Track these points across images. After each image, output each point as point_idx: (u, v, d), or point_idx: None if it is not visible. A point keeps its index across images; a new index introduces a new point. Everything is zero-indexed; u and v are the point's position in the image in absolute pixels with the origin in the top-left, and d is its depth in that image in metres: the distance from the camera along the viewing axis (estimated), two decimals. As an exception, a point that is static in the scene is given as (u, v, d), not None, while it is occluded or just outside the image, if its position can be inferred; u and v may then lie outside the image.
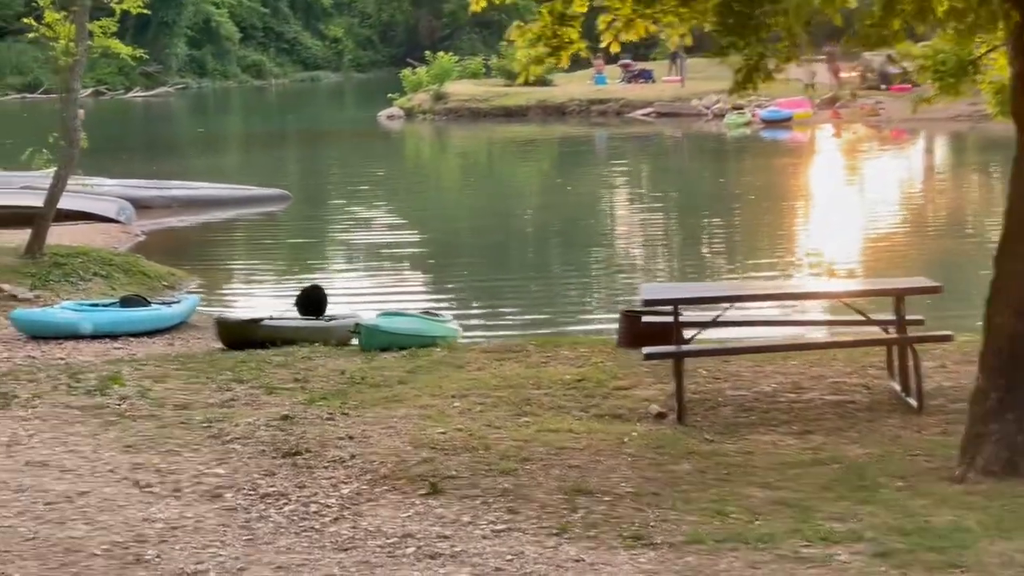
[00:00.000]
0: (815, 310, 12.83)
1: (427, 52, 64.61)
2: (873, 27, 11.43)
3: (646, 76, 62.21)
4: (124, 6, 19.41)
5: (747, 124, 50.02)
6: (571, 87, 60.02)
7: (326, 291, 15.77)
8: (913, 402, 9.93)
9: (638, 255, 24.32)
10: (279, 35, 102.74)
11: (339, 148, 48.05)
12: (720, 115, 52.58)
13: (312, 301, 15.34)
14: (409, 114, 57.36)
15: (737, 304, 11.18)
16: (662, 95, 56.54)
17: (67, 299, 17.01)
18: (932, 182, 36.04)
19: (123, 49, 19.92)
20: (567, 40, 10.96)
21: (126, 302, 16.09)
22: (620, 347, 12.82)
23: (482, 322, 17.33)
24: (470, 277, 22.03)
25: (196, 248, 25.01)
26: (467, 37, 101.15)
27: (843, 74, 55.89)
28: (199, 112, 73.84)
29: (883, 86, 54.16)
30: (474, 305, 19.24)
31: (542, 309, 18.85)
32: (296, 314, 15.28)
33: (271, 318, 14.68)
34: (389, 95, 60.29)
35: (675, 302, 10.06)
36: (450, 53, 63.69)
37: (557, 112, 56.17)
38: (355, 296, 19.19)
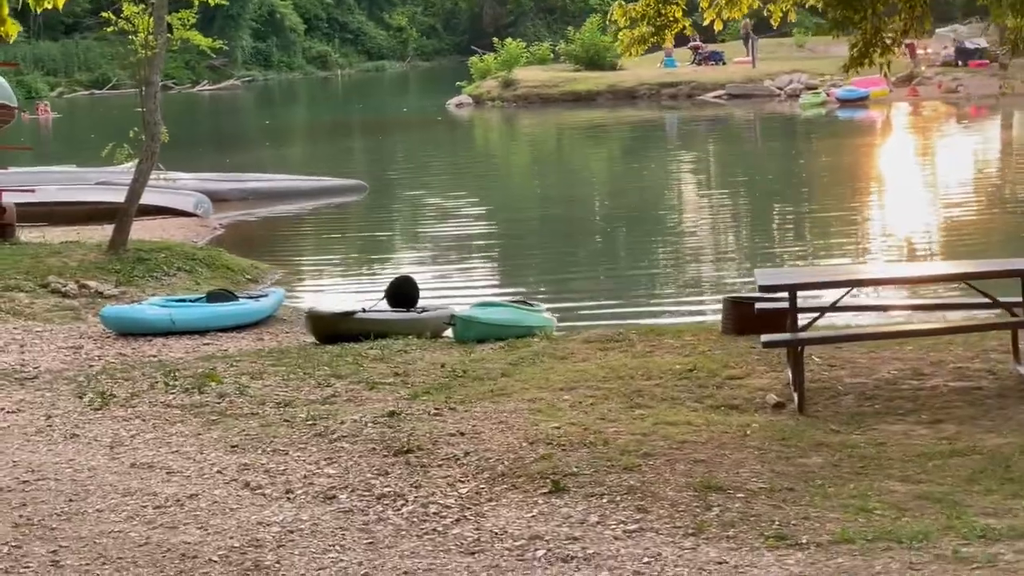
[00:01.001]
0: (930, 293, 12.45)
1: (494, 39, 64.30)
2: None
3: (716, 58, 61.65)
4: (209, -2, 19.25)
5: (822, 104, 49.46)
6: (640, 71, 59.61)
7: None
8: (1050, 390, 9.50)
9: (723, 241, 23.92)
10: (343, 25, 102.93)
11: (409, 137, 47.89)
12: (794, 95, 52.08)
13: (403, 293, 15.05)
14: (478, 101, 57.19)
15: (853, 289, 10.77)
16: (733, 77, 56.08)
17: (153, 295, 16.84)
18: (1012, 159, 35.20)
19: (203, 41, 19.77)
20: (671, 18, 10.62)
21: (213, 297, 15.90)
22: (726, 335, 12.46)
23: (573, 311, 16.93)
24: (553, 265, 21.73)
25: (274, 240, 24.85)
26: (531, 23, 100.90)
27: (920, 51, 55.09)
28: (266, 104, 74.00)
29: (960, 63, 53.37)
30: (563, 294, 18.86)
31: (633, 298, 18.52)
32: (386, 306, 14.99)
33: (363, 311, 14.40)
34: (458, 83, 60.15)
35: (792, 287, 9.66)
36: (517, 40, 63.30)
37: (627, 96, 55.86)
38: (437, 287, 18.91)
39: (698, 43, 64.11)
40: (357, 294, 18.92)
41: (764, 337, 9.78)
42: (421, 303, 15.23)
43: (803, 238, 23.24)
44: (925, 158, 35.91)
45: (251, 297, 16.41)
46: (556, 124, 50.62)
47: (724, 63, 60.90)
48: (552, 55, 66.14)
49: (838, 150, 38.26)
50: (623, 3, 10.69)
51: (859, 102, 48.94)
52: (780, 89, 53.62)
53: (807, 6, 11.02)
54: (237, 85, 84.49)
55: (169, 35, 18.92)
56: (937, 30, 62.96)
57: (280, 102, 75.32)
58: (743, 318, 12.36)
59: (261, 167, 33.90)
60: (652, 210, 27.38)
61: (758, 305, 10.98)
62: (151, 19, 18.72)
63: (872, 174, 32.61)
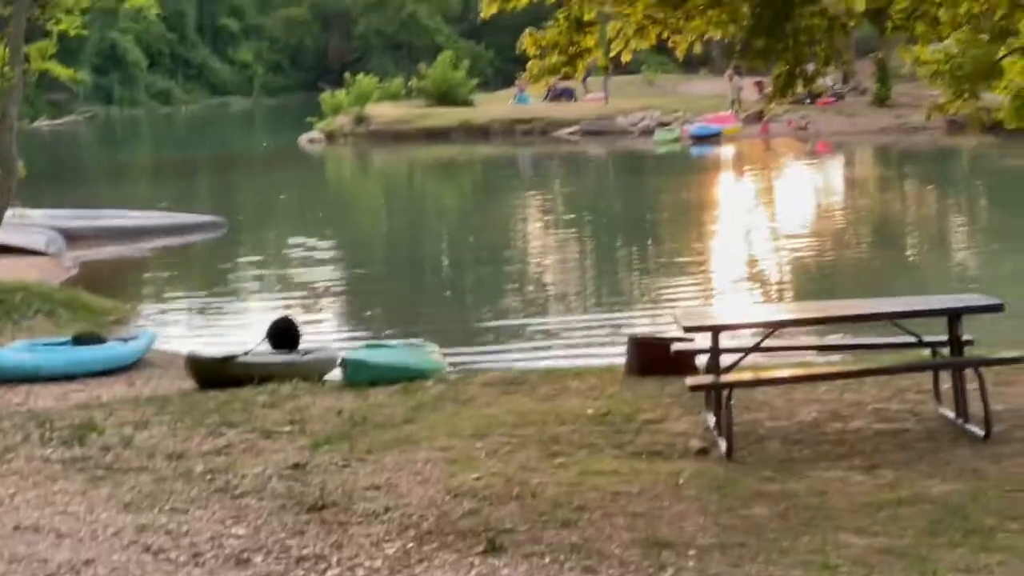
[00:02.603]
0: (844, 332, 12.18)
1: (346, 74, 63.67)
2: (896, 30, 10.84)
3: (568, 94, 61.64)
4: (62, 27, 18.37)
5: (676, 140, 49.70)
6: (493, 107, 59.62)
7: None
8: (978, 430, 9.20)
9: (595, 280, 23.57)
10: (187, 61, 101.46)
11: (263, 173, 47.03)
12: (647, 132, 52.22)
13: (284, 334, 14.39)
14: (330, 137, 56.44)
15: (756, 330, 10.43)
16: (586, 113, 56.05)
17: (13, 339, 15.94)
18: (858, 195, 35.58)
19: (64, 72, 18.89)
20: (584, 48, 10.18)
21: (80, 340, 15.09)
22: (630, 376, 12.05)
23: (458, 352, 16.37)
24: (427, 304, 21.25)
25: (135, 280, 24.00)
26: (378, 59, 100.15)
27: (768, 89, 55.66)
28: (109, 140, 72.28)
29: (808, 100, 54.02)
30: (442, 334, 18.28)
31: (517, 337, 18.05)
32: (267, 348, 14.32)
33: (246, 354, 13.71)
34: (309, 118, 59.28)
35: (716, 328, 9.27)
36: (371, 74, 62.75)
37: (481, 133, 55.51)
38: (309, 328, 18.20)
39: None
40: (227, 335, 18.29)
41: (689, 380, 9.37)
42: (302, 344, 14.59)
43: (675, 276, 23.00)
44: (777, 194, 36.19)
45: (120, 340, 15.62)
46: (411, 160, 50.15)
47: (576, 100, 60.96)
48: (404, 91, 65.66)
49: (695, 187, 38.45)
50: (533, 31, 10.23)
51: (712, 139, 49.29)
52: (633, 126, 53.76)
53: (668, 44, 10.65)
54: (78, 121, 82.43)
55: (27, 66, 17.99)
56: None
57: (124, 138, 73.68)
58: (648, 359, 11.99)
59: (112, 204, 32.79)
60: (517, 249, 27.07)
61: (675, 346, 10.57)
62: (7, 49, 17.81)
63: (730, 212, 32.65)
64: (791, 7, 9.42)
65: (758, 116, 51.79)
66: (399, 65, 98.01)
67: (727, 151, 47.38)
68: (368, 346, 13.84)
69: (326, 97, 61.19)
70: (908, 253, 25.17)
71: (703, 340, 10.00)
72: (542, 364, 14.87)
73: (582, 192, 38.61)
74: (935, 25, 11.00)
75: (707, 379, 9.25)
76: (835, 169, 43.23)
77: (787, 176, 41.05)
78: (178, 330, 18.84)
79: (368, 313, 20.62)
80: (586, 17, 10.10)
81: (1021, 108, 12.36)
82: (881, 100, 52.37)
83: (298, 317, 17.98)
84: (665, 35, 10.71)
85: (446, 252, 27.10)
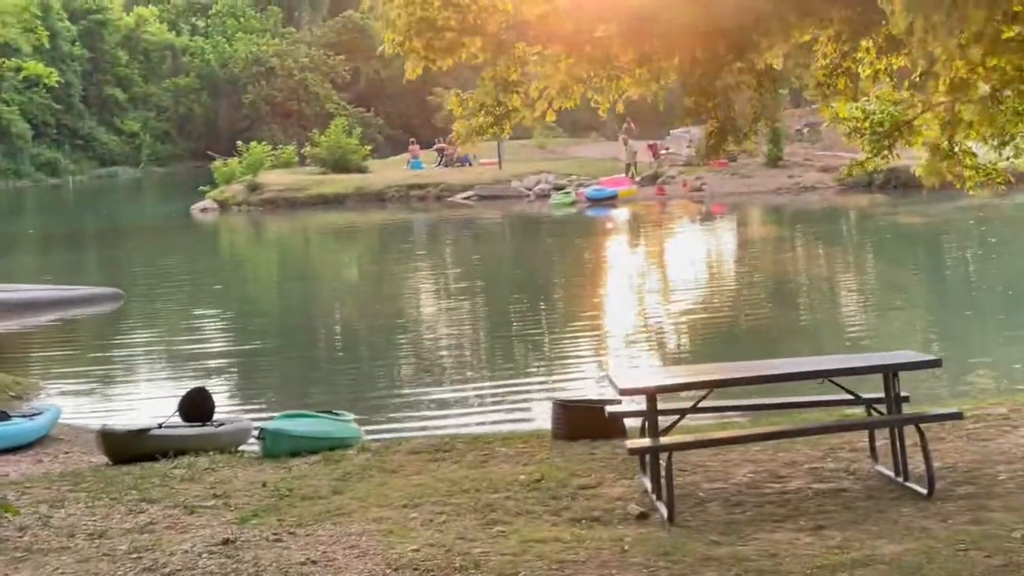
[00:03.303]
0: (778, 391, 12.07)
1: (238, 142, 63.22)
2: (819, 87, 10.84)
3: (463, 160, 61.76)
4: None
5: (572, 204, 49.83)
6: (387, 173, 59.58)
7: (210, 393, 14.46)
8: (920, 488, 9.12)
9: (499, 345, 23.33)
10: (73, 131, 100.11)
11: (156, 244, 46.29)
12: (543, 195, 52.40)
13: (197, 406, 14.01)
14: (223, 206, 55.83)
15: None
16: (481, 178, 56.13)
17: (-90, 417, 15.35)
18: (751, 255, 35.81)
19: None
20: (510, 108, 10.05)
21: (-17, 417, 14.58)
22: (557, 440, 11.88)
23: (371, 420, 16.07)
24: (332, 373, 20.93)
25: (32, 353, 23.34)
26: (267, 127, 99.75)
27: (662, 151, 56.36)
28: (-6, 212, 70.94)
29: (699, 162, 54.61)
30: (353, 403, 17.99)
31: (429, 404, 17.77)
32: (179, 420, 13.92)
33: (159, 427, 13.31)
34: (200, 187, 58.66)
35: (652, 390, 9.11)
36: (262, 142, 62.33)
37: (376, 199, 55.34)
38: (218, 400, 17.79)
39: (443, 145, 64.45)
40: (132, 408, 17.84)
41: (629, 443, 9.21)
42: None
43: (579, 339, 22.86)
44: (675, 255, 36.24)
45: (24, 416, 15.11)
46: (306, 228, 49.69)
47: (471, 164, 61.04)
48: (297, 158, 65.38)
49: (594, 249, 38.56)
50: (459, 93, 10.09)
51: (608, 201, 49.50)
52: (528, 190, 53.87)
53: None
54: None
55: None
56: (671, 131, 64.77)
57: (10, 210, 72.27)
58: (575, 423, 11.83)
59: (2, 277, 32.03)
60: (418, 316, 26.81)
61: (610, 409, 10.40)
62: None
63: (629, 273, 32.69)
64: (719, 65, 9.35)
65: (653, 178, 52.30)
66: (289, 133, 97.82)
67: (624, 213, 47.54)
68: (286, 416, 13.48)
69: (218, 165, 60.70)
70: (809, 312, 25.30)
71: (630, 402, 9.86)
72: (455, 430, 14.64)
73: (482, 257, 38.42)
74: (855, 81, 11.02)
75: (646, 442, 9.07)
76: (732, 230, 43.50)
77: (685, 237, 41.21)
78: (82, 404, 18.28)
79: (272, 384, 20.21)
80: (511, 77, 9.99)
81: (936, 164, 12.38)
82: (774, 161, 53.02)
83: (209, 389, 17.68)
84: (591, 95, 10.64)
85: (347, 321, 26.75)
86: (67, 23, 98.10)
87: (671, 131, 66.41)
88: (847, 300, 26.60)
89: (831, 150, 54.88)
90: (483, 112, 10.00)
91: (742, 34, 9.40)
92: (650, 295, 27.93)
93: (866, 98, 12.48)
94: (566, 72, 10.33)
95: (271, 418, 14.17)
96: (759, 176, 52.10)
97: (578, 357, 20.91)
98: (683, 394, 10.46)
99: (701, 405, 9.53)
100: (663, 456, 9.11)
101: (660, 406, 9.60)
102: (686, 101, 9.44)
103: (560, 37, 9.43)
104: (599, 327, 24.01)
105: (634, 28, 9.38)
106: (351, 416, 14.16)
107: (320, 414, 13.79)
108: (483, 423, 15.76)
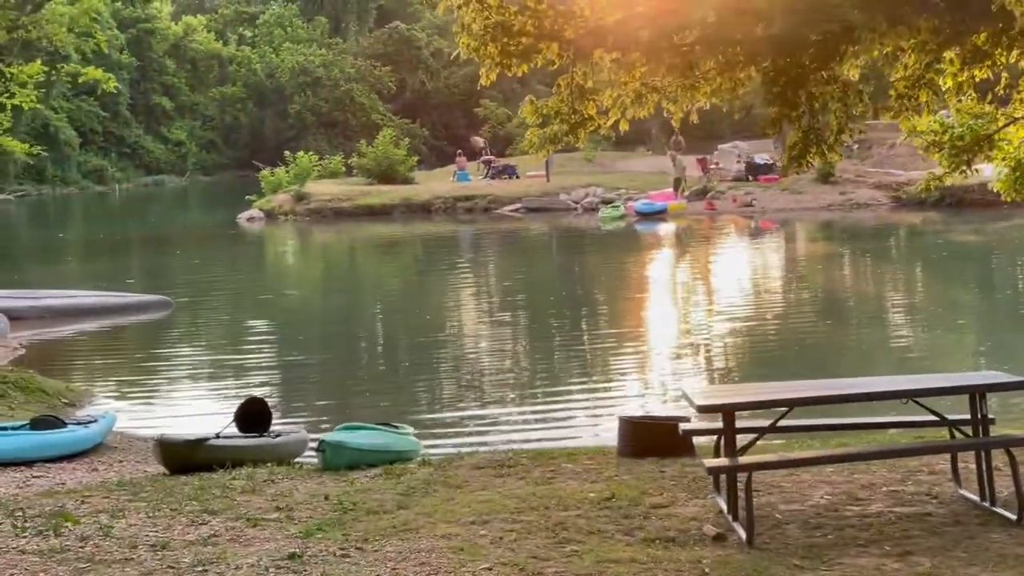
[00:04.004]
0: (850, 411, 11.79)
1: (286, 152, 63.31)
2: (899, 99, 10.56)
3: (510, 172, 61.70)
4: (15, 101, 17.81)
5: (622, 217, 49.59)
6: (434, 185, 59.48)
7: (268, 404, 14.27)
8: (1009, 514, 8.81)
9: (555, 357, 23.11)
10: (120, 139, 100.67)
11: (203, 252, 46.33)
12: (591, 209, 52.17)
13: (255, 416, 13.82)
14: (270, 215, 55.87)
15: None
16: (529, 191, 55.92)
17: (-35, 423, 15.26)
18: (808, 271, 35.46)
19: (16, 146, 18.31)
20: (586, 116, 9.83)
21: (38, 424, 14.42)
22: (623, 457, 11.61)
23: (430, 433, 15.85)
24: (386, 384, 20.75)
25: (84, 360, 23.27)
26: (313, 138, 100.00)
27: (711, 166, 56.06)
28: (42, 219, 71.23)
29: (750, 177, 54.34)
30: (405, 415, 17.77)
31: (488, 416, 17.56)
32: (236, 430, 13.74)
33: (217, 436, 13.13)
34: (248, 196, 58.72)
35: (730, 407, 8.84)
36: (310, 152, 62.34)
37: (422, 210, 55.24)
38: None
39: (491, 157, 64.40)
40: (185, 416, 17.70)
41: (708, 462, 8.92)
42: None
43: (637, 354, 22.61)
44: (731, 271, 35.94)
45: (80, 423, 14.96)
46: (353, 238, 49.60)
47: (518, 177, 60.89)
48: (344, 168, 65.44)
49: (647, 263, 38.36)
50: (534, 100, 9.86)
51: (657, 215, 49.24)
52: (576, 203, 53.68)
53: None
54: (9, 199, 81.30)
55: (-22, 140, 17.45)
56: (720, 146, 64.48)
57: (58, 217, 72.61)
58: (643, 440, 11.57)
59: (50, 283, 32.06)
60: (470, 330, 26.58)
61: (684, 426, 10.13)
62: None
63: (685, 288, 32.46)
64: (804, 74, 9.10)
65: (702, 193, 51.98)
66: (333, 143, 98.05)
67: (674, 227, 47.25)
68: (345, 427, 13.27)
69: (266, 175, 60.80)
70: (871, 330, 24.86)
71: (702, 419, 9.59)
72: (516, 445, 14.40)
73: (534, 269, 38.22)
74: (937, 93, 10.75)
75: (725, 461, 8.79)
76: (786, 245, 43.14)
77: (738, 252, 40.91)
78: (135, 412, 18.16)
79: (324, 396, 19.99)
80: (587, 84, 9.77)
81: (1019, 180, 12.10)
82: (825, 177, 52.59)
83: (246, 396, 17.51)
84: (665, 104, 10.42)
85: (397, 333, 26.51)
86: (116, 31, 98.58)
87: (719, 146, 66.14)
88: (908, 318, 26.20)
89: (882, 167, 54.47)
90: (558, 120, 9.77)
91: (827, 44, 9.16)
92: (707, 311, 27.63)
93: (944, 112, 12.23)
94: (641, 80, 10.11)
95: (327, 430, 14.00)
96: (810, 192, 51.71)
97: (634, 373, 20.68)
98: (756, 412, 10.21)
99: (780, 424, 9.24)
100: (741, 476, 8.83)
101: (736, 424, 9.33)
102: (770, 111, 9.20)
103: (639, 44, 9.20)
104: (654, 342, 23.74)
105: (716, 36, 9.14)
106: (410, 429, 13.96)
107: (379, 426, 13.58)
108: (543, 438, 15.53)
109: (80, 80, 22.27)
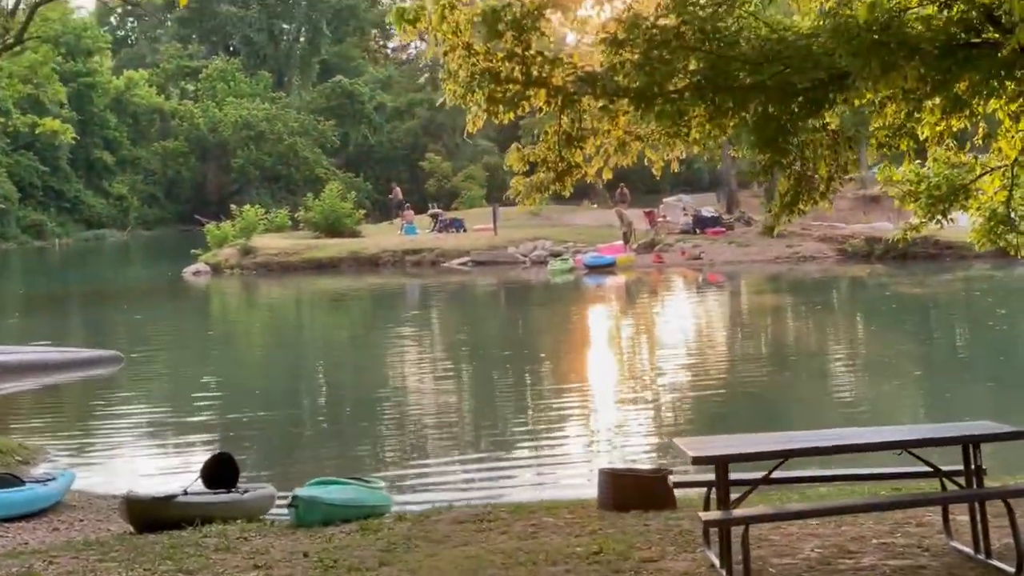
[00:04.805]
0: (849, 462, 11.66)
1: (232, 206, 63.00)
2: (880, 147, 10.52)
3: (457, 225, 61.64)
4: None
5: (570, 270, 49.58)
6: (381, 238, 59.34)
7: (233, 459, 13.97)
8: (1006, 566, 8.69)
9: (504, 411, 22.90)
10: (60, 193, 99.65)
11: (151, 306, 45.78)
12: (540, 262, 52.14)
13: (222, 472, 13.53)
14: (216, 269, 55.42)
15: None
16: (477, 244, 55.80)
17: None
18: (755, 322, 35.51)
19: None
20: (573, 164, 9.70)
21: (-5, 481, 14.07)
22: (604, 510, 11.42)
23: (397, 487, 15.61)
24: (337, 438, 20.47)
25: (35, 417, 22.82)
26: (256, 191, 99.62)
27: (659, 219, 56.26)
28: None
29: (697, 230, 54.52)
30: (367, 468, 17.50)
31: (451, 470, 17.34)
32: (202, 486, 13.44)
33: (185, 493, 12.83)
34: (194, 250, 58.27)
35: (723, 459, 8.68)
36: (255, 206, 61.97)
37: (370, 263, 54.99)
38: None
39: (438, 211, 64.39)
40: (143, 474, 17.36)
41: (704, 515, 8.74)
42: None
43: (594, 406, 22.50)
44: (685, 323, 35.94)
45: (38, 481, 14.60)
46: (300, 292, 49.20)
47: (465, 230, 60.82)
48: (290, 222, 65.16)
49: (596, 316, 38.32)
50: (520, 147, 9.72)
51: (606, 268, 49.24)
52: (525, 256, 53.61)
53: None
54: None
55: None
56: (665, 199, 64.74)
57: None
58: (625, 491, 11.40)
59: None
60: (425, 383, 26.26)
61: (675, 478, 9.95)
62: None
63: (643, 340, 32.40)
64: (794, 121, 9.02)
65: (650, 246, 52.08)
66: (277, 197, 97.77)
67: (623, 280, 47.26)
68: (316, 482, 13.00)
69: (212, 228, 60.39)
70: (834, 381, 24.89)
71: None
72: (488, 499, 14.19)
73: (489, 323, 38.04)
74: (917, 142, 10.72)
75: (719, 514, 8.62)
76: (736, 297, 43.23)
77: (690, 304, 41.01)
78: (92, 470, 17.74)
79: (284, 451, 19.65)
80: (575, 132, 9.64)
81: (993, 230, 12.08)
82: (770, 230, 52.72)
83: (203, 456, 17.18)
84: (649, 153, 10.33)
85: (353, 387, 26.12)
86: (57, 84, 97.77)
87: (664, 199, 66.34)
88: (866, 369, 26.11)
89: (825, 220, 54.78)
90: (545, 168, 9.63)
91: (817, 91, 9.09)
92: (663, 363, 27.49)
93: (919, 162, 12.19)
94: (625, 128, 10.02)
95: (291, 485, 13.72)
96: (756, 245, 51.95)
97: (599, 425, 20.53)
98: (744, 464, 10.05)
99: (774, 476, 9.10)
100: (735, 529, 8.67)
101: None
102: (759, 157, 9.11)
103: (628, 90, 9.08)
104: (614, 394, 23.64)
105: (707, 83, 9.05)
106: (382, 483, 13.73)
107: (350, 481, 13.33)
108: (516, 491, 15.35)
109: (37, 131, 22.08)
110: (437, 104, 12.82)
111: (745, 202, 66.34)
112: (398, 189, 78.02)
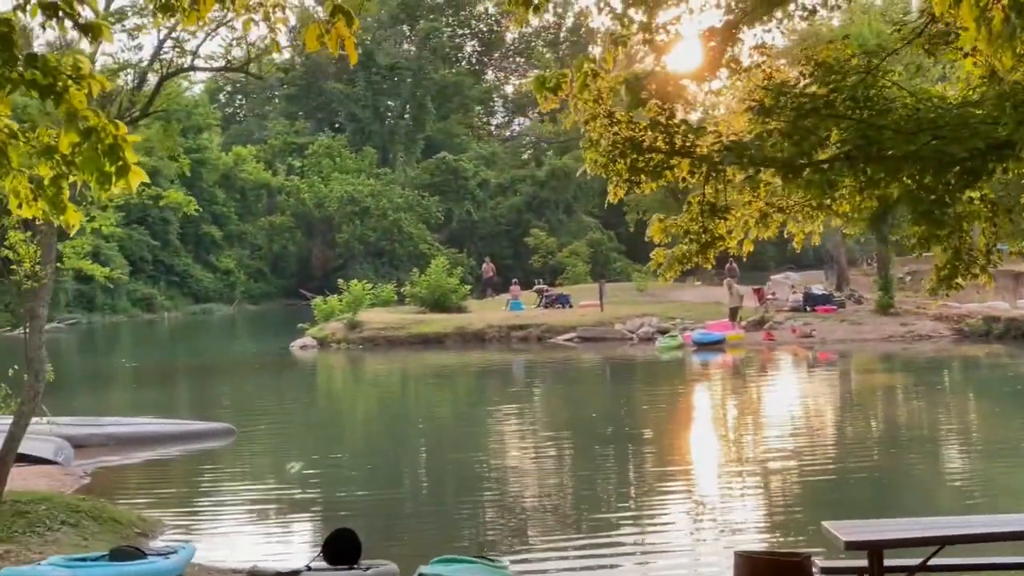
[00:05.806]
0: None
1: (339, 280, 63.36)
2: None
3: (563, 301, 61.50)
4: (95, 225, 17.56)
5: (679, 347, 49.09)
6: (487, 314, 59.36)
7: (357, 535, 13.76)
8: None
9: (621, 489, 22.53)
10: (169, 268, 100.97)
11: (259, 380, 45.98)
12: (647, 339, 51.72)
13: (344, 547, 13.33)
14: (323, 343, 55.60)
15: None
16: (583, 320, 55.54)
17: (40, 553, 14.86)
18: (876, 403, 34.75)
19: (98, 271, 18.03)
20: (716, 236, 9.45)
21: (117, 555, 13.95)
22: (742, 594, 11.03)
23: (524, 566, 15.31)
24: (460, 515, 20.21)
25: (150, 489, 22.82)
26: (360, 267, 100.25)
27: (768, 296, 55.72)
28: (93, 347, 71.24)
29: (807, 308, 53.90)
30: (493, 546, 17.23)
31: (578, 547, 17.01)
32: (324, 562, 13.25)
33: (308, 568, 12.65)
34: (300, 324, 58.64)
35: (878, 545, 8.31)
36: (362, 281, 62.21)
37: (476, 338, 54.90)
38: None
39: (544, 286, 64.34)
40: (259, 547, 17.27)
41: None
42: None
43: (710, 485, 22.06)
44: (804, 402, 35.31)
45: (160, 554, 14.48)
46: (407, 367, 49.13)
47: (571, 306, 60.62)
48: (396, 297, 65.42)
49: (712, 393, 37.83)
50: (662, 218, 9.48)
51: (715, 345, 48.74)
52: (632, 332, 53.24)
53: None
54: (60, 328, 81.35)
55: (59, 264, 17.13)
56: (772, 276, 64.19)
57: (108, 345, 72.59)
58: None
59: (111, 410, 31.77)
60: (542, 461, 25.94)
61: (823, 563, 9.56)
62: (38, 247, 16.98)
63: (765, 419, 31.92)
64: (951, 192, 8.70)
65: (759, 323, 51.50)
66: (380, 272, 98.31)
67: (733, 358, 46.69)
68: (441, 560, 12.76)
69: (319, 303, 60.79)
70: (963, 464, 24.20)
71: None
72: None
73: (603, 398, 37.57)
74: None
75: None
76: (851, 375, 42.44)
77: (808, 383, 40.32)
78: (210, 543, 17.64)
79: (401, 528, 19.43)
80: (719, 202, 9.40)
81: None
82: (884, 308, 52.10)
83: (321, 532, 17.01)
84: (791, 226, 10.06)
85: (468, 464, 25.73)
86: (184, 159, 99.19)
87: (772, 276, 65.79)
88: (991, 454, 25.35)
89: (935, 299, 53.92)
90: (687, 239, 9.38)
91: (975, 161, 8.77)
92: (790, 441, 26.91)
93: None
94: (767, 199, 9.76)
95: (411, 563, 13.48)
96: (869, 323, 51.22)
97: (723, 504, 20.11)
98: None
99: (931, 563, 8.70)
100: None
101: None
102: (915, 230, 8.78)
103: (776, 160, 8.83)
104: (739, 474, 23.11)
105: (857, 153, 8.77)
106: (507, 560, 13.46)
107: (475, 559, 13.06)
108: (640, 567, 15.00)
109: (161, 203, 22.51)
110: (577, 174, 12.64)
111: (854, 280, 65.61)
112: (490, 266, 78.22)
